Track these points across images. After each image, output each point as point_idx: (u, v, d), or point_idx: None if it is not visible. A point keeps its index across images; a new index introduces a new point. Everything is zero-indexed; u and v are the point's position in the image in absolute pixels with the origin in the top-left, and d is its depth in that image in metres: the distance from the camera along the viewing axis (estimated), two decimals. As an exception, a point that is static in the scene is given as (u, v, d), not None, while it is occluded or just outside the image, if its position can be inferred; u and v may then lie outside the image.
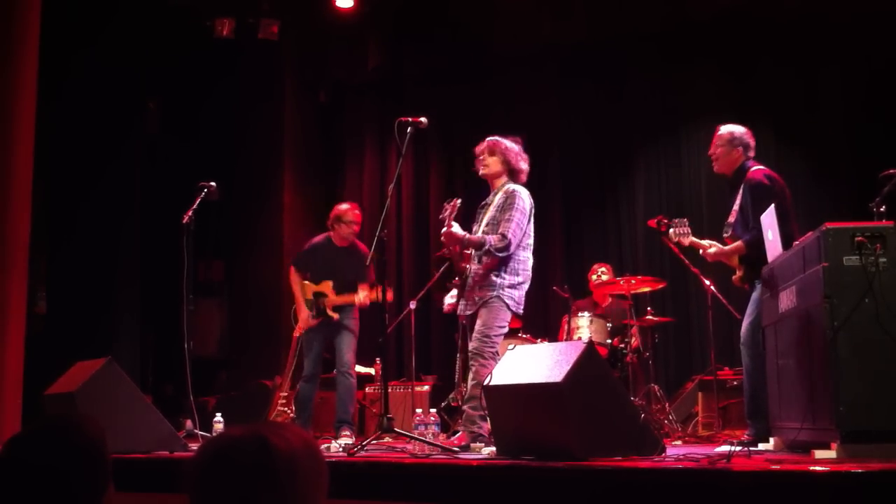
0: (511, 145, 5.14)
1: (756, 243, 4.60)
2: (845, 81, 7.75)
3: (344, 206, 6.49)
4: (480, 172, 5.18)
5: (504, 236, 4.86)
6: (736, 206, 4.93)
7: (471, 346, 4.85)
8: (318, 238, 6.58)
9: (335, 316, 6.25)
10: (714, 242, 5.04)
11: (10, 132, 6.10)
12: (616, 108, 8.73)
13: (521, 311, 5.02)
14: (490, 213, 5.04)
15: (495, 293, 4.86)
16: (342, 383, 6.17)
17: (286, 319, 8.26)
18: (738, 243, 4.84)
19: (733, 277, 5.03)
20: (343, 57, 9.38)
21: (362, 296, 6.20)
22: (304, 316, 6.38)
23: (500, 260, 4.89)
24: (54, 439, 1.83)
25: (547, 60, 8.80)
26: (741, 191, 4.90)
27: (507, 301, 4.87)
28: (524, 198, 5.00)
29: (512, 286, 4.91)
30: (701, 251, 5.08)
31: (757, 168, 4.90)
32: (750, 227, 4.76)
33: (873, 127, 7.40)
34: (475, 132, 5.58)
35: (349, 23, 8.86)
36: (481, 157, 5.15)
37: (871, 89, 7.55)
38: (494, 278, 4.89)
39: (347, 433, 5.87)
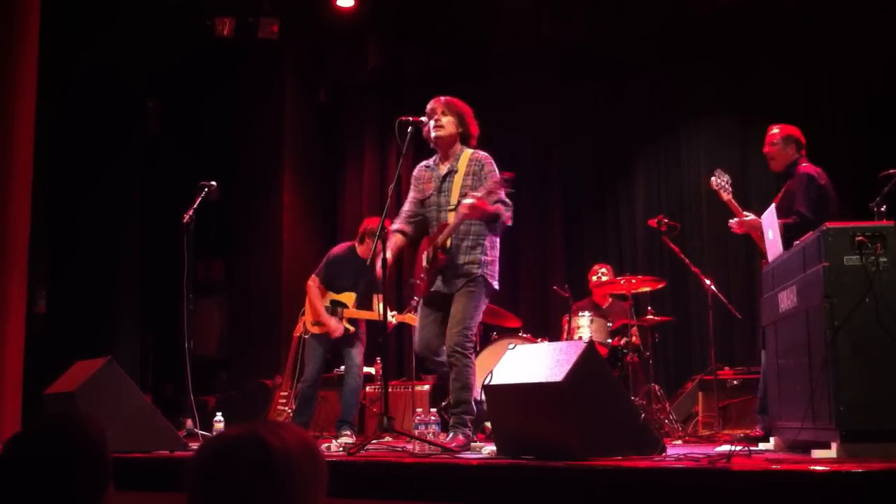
0: (466, 107, 4.89)
1: (795, 227, 4.53)
2: (845, 81, 7.75)
3: (377, 220, 6.35)
4: (434, 134, 4.83)
5: (507, 204, 4.67)
6: (782, 193, 4.98)
7: (449, 341, 4.63)
8: (341, 249, 6.39)
9: (351, 329, 6.17)
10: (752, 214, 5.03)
11: (10, 132, 6.11)
12: (616, 108, 8.74)
13: (497, 287, 4.83)
14: (463, 181, 4.77)
15: (480, 270, 4.68)
16: (349, 384, 6.14)
17: (286, 319, 8.28)
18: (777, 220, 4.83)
19: (763, 261, 5.00)
20: (343, 57, 9.40)
21: (391, 316, 6.04)
22: (335, 324, 6.13)
23: (487, 233, 4.73)
24: (55, 438, 1.83)
25: (547, 60, 8.80)
26: (790, 181, 4.96)
27: (489, 279, 4.71)
28: (495, 165, 4.79)
29: (493, 261, 4.76)
30: (735, 218, 5.04)
31: (810, 165, 4.99)
32: (792, 211, 4.76)
33: (873, 127, 7.39)
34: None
35: (349, 23, 8.87)
36: (435, 117, 4.82)
37: (871, 89, 7.55)
38: (480, 255, 4.70)
39: (348, 433, 5.86)
